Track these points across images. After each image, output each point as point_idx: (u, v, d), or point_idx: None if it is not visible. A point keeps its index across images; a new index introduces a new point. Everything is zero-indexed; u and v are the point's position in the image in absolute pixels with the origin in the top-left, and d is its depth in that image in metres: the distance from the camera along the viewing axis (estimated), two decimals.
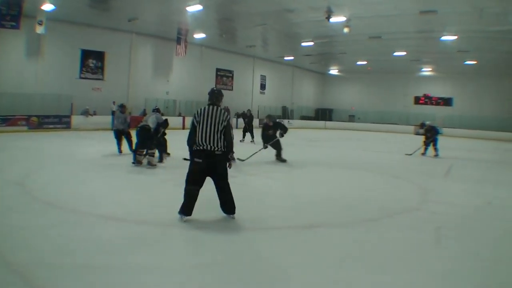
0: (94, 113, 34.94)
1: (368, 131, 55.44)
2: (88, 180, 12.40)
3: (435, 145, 23.11)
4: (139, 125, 15.48)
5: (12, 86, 31.86)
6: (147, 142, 15.16)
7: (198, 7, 29.35)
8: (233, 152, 8.23)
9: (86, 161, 16.18)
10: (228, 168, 8.15)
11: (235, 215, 8.26)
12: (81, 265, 5.70)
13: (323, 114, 68.12)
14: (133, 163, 15.14)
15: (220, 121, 7.85)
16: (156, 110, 16.56)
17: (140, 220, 8.23)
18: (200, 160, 7.88)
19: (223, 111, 8.01)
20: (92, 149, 18.86)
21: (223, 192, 8.16)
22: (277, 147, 17.86)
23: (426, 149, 23.46)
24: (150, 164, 15.05)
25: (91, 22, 35.78)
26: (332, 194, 11.72)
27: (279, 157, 17.78)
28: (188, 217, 7.96)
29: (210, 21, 35.91)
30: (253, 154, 17.20)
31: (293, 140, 27.51)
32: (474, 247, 7.46)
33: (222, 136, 7.92)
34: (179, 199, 8.13)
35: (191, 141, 8.08)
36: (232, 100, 47.65)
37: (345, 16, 30.99)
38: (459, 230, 8.64)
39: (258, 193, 11.42)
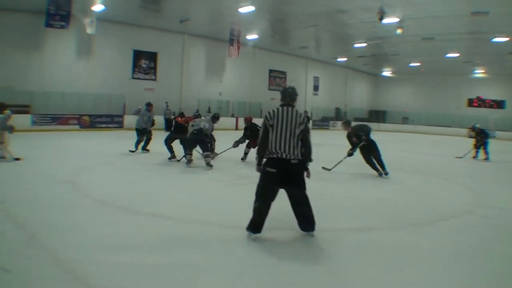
0: None
1: (421, 133, 55.29)
2: (140, 178, 12.54)
3: (485, 148, 22.62)
4: (195, 128, 15.16)
5: (63, 85, 32.43)
6: (203, 144, 15.20)
7: (250, 8, 29.37)
8: (311, 160, 6.92)
9: (138, 159, 16.35)
10: (304, 178, 6.90)
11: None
12: (133, 263, 5.77)
13: (376, 116, 67.94)
14: (186, 163, 15.22)
15: (297, 124, 6.69)
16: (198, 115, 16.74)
17: (192, 219, 8.19)
18: (274, 170, 6.71)
19: (299, 112, 6.82)
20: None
21: (300, 206, 7.03)
22: (371, 154, 15.63)
23: (477, 152, 23.03)
24: (208, 165, 14.93)
25: (143, 23, 36.19)
26: (385, 196, 11.64)
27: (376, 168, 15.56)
28: (258, 235, 6.97)
29: (263, 22, 35.84)
30: (338, 163, 16.19)
31: (346, 142, 27.21)
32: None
33: (299, 142, 6.75)
34: (233, 199, 8.59)
35: (262, 148, 6.92)
36: None
37: (398, 17, 30.67)
38: (511, 235, 8.40)
39: (316, 195, 10.67)
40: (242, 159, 17.38)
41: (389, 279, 5.74)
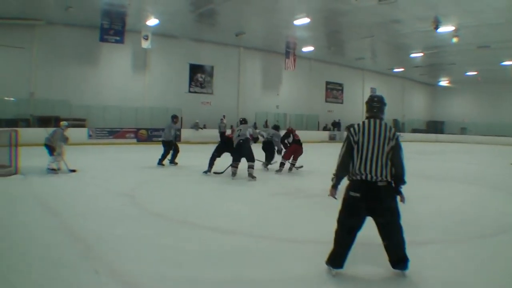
0: (204, 127, 35.58)
1: (479, 143, 54.18)
2: (197, 192, 12.60)
3: None
4: (240, 139, 15.23)
5: (119, 99, 33.18)
6: (249, 154, 15.14)
7: (306, 20, 29.67)
8: (404, 182, 5.77)
9: (194, 173, 16.36)
10: (400, 205, 5.79)
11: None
12: (189, 278, 5.78)
13: (434, 127, 67.33)
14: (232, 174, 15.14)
15: (386, 140, 5.58)
16: (243, 121, 16.92)
17: (249, 233, 8.10)
18: (358, 195, 5.62)
19: (389, 126, 5.71)
20: (200, 162, 18.90)
21: (389, 238, 5.86)
22: None
23: None
24: (251, 176, 14.91)
25: (198, 37, 36.49)
26: (445, 208, 11.33)
27: None
28: (340, 270, 5.89)
29: (318, 33, 36.09)
30: None
31: (405, 153, 27.07)
32: None
33: (389, 162, 5.66)
34: (289, 213, 8.51)
35: (345, 168, 5.82)
36: (342, 113, 47.68)
37: (453, 26, 30.58)
38: None
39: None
40: (277, 171, 17.39)
41: None
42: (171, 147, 18.69)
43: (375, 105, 5.97)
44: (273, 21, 31.91)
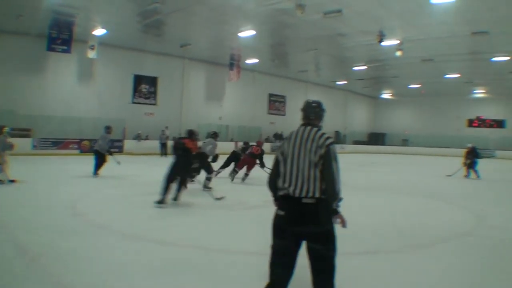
0: (147, 138, 35.60)
1: (421, 155, 55.82)
2: (140, 204, 12.44)
3: (474, 167, 23.25)
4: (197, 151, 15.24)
5: (64, 109, 32.79)
6: (205, 167, 15.51)
7: (251, 32, 29.96)
8: (335, 199, 4.68)
9: (137, 185, 16.35)
10: (333, 230, 4.72)
11: None
12: None
13: (376, 139, 68.65)
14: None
15: (314, 149, 4.69)
16: (213, 134, 17.06)
17: (192, 245, 8.15)
18: (283, 213, 4.72)
19: (321, 133, 4.79)
20: (142, 173, 19.08)
21: (317, 272, 4.70)
22: None
23: (468, 171, 23.53)
24: (206, 187, 15.14)
25: (144, 48, 36.56)
26: (385, 219, 11.65)
27: None
28: None
29: (263, 46, 36.36)
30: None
31: (346, 165, 27.09)
32: None
33: (318, 174, 4.68)
34: (231, 225, 8.65)
35: (272, 183, 5.05)
36: (285, 125, 48.10)
37: (398, 39, 31.23)
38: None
39: None
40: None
41: None
42: (104, 158, 18.71)
43: (311, 111, 5.12)
44: (219, 33, 32.17)
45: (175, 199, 12.62)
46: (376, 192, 17.64)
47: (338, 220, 4.79)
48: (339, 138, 61.31)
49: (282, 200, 4.80)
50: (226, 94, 45.98)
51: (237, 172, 19.33)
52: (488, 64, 39.76)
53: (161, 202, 12.02)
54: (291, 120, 51.92)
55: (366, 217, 11.68)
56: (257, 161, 19.06)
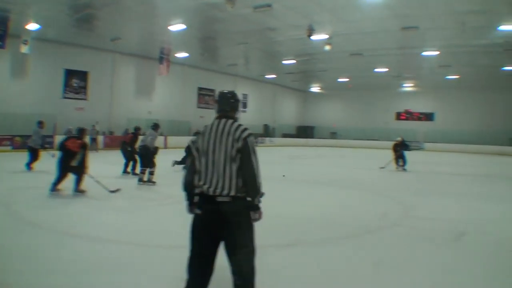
0: None
1: (349, 147, 56.96)
2: (73, 200, 12.39)
3: (403, 159, 23.99)
4: (140, 145, 16.09)
5: None
6: (146, 160, 15.79)
7: (182, 26, 29.87)
8: (257, 194, 4.55)
9: (69, 180, 16.02)
10: (250, 228, 4.60)
11: None
12: (63, 285, 5.89)
13: (304, 132, 69.53)
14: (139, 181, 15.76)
15: (230, 143, 4.52)
16: (153, 126, 17.04)
17: (125, 241, 8.18)
18: (199, 212, 4.61)
19: (238, 125, 4.65)
20: None
21: (236, 273, 4.54)
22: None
23: (398, 162, 24.22)
24: (150, 181, 15.61)
25: (75, 42, 36.09)
26: (314, 211, 11.82)
27: None
28: None
29: (193, 40, 36.57)
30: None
31: (275, 157, 27.36)
32: (454, 262, 7.61)
33: (234, 171, 4.56)
34: (162, 220, 8.83)
35: (186, 180, 4.81)
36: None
37: (327, 34, 31.50)
38: (440, 245, 8.74)
39: None
40: None
41: None
42: (38, 153, 18.73)
43: (225, 102, 4.89)
44: (149, 27, 31.97)
45: (76, 190, 12.88)
46: (306, 184, 18.04)
47: (257, 215, 4.63)
48: (267, 132, 62.03)
49: (199, 198, 4.65)
50: (156, 89, 45.84)
51: None
52: (417, 59, 40.65)
53: (51, 189, 12.60)
54: None
55: (294, 208, 12.11)
56: None
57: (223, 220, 4.49)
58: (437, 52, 37.00)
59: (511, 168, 32.52)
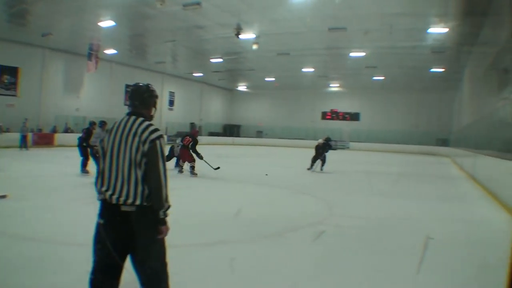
0: (8, 130, 34.80)
1: (276, 146, 57.84)
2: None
3: (323, 160, 24.08)
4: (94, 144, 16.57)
5: None
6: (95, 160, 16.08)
7: (111, 23, 30.16)
8: (162, 206, 4.04)
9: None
10: (157, 243, 4.16)
11: None
12: None
13: (231, 130, 70.30)
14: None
15: (136, 145, 4.05)
16: (101, 124, 17.79)
17: (50, 239, 7.93)
18: (102, 222, 4.12)
19: (147, 125, 4.12)
20: (7, 167, 18.89)
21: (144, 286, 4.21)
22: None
23: (313, 163, 24.30)
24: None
25: (6, 37, 35.75)
26: (237, 209, 11.69)
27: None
28: None
29: (122, 37, 37.09)
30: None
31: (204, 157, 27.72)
32: (377, 259, 7.70)
33: (139, 176, 4.07)
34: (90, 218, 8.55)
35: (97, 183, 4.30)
36: None
37: (254, 33, 32.27)
38: (362, 243, 8.92)
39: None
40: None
41: None
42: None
43: (137, 97, 4.37)
44: (80, 23, 31.73)
45: None
46: (230, 182, 18.26)
47: (163, 230, 4.13)
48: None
49: (101, 206, 4.14)
50: (84, 85, 45.52)
51: (181, 167, 20.12)
52: (345, 59, 41.71)
53: None
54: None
55: (218, 207, 12.24)
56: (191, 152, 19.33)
57: (127, 232, 4.00)
58: (364, 53, 38.04)
59: (434, 167, 33.71)
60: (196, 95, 66.58)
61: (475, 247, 9.00)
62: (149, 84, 4.59)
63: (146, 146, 4.01)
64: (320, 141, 23.81)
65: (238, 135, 69.16)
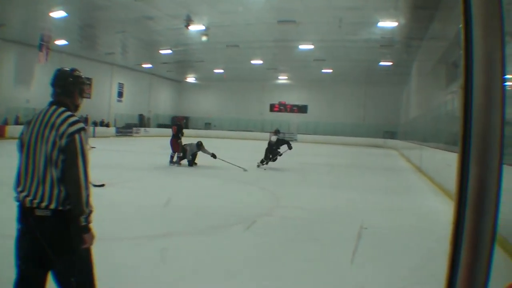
0: None
1: (224, 138, 57.78)
2: None
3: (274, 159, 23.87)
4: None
5: None
6: None
7: (62, 13, 30.18)
8: (82, 212, 3.48)
9: None
10: (78, 252, 3.58)
11: None
12: None
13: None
14: None
15: (52, 139, 3.53)
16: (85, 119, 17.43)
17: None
18: (20, 227, 3.65)
19: (68, 116, 3.62)
20: None
21: None
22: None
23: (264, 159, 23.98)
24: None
25: None
26: (185, 202, 11.97)
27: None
28: None
29: (73, 27, 36.89)
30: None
31: (149, 148, 27.80)
32: (322, 249, 7.89)
33: (56, 176, 3.55)
34: None
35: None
36: (91, 108, 48.37)
37: (204, 25, 32.81)
38: (309, 234, 9.01)
39: (111, 204, 10.59)
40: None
41: (183, 285, 5.91)
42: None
43: (59, 83, 3.88)
44: (31, 13, 31.88)
45: None
46: (177, 174, 18.42)
47: (87, 239, 3.60)
48: (142, 122, 62.76)
49: (18, 210, 3.64)
50: (35, 77, 44.87)
51: (172, 157, 20.89)
52: (293, 52, 42.48)
53: None
54: (97, 103, 52.62)
55: (164, 199, 11.95)
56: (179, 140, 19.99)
57: (46, 239, 3.52)
58: (312, 46, 39.01)
59: (381, 160, 34.56)
60: (145, 87, 66.64)
61: (419, 237, 9.21)
62: (74, 69, 4.16)
63: (64, 141, 3.51)
64: (273, 138, 23.04)
65: (186, 127, 66.99)
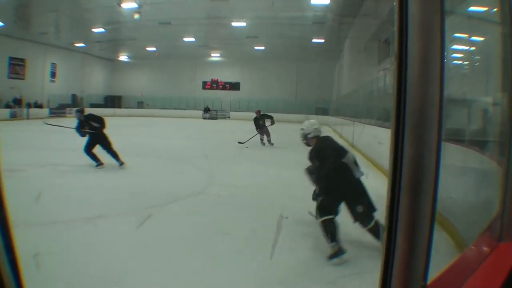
0: None
1: (157, 117, 58.53)
2: None
3: (267, 132, 24.40)
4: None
5: None
6: None
7: None
8: None
9: None
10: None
11: None
12: None
13: (112, 101, 71.20)
14: None
15: None
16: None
17: None
18: None
19: None
20: None
21: None
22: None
23: (262, 140, 24.47)
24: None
25: None
26: (119, 183, 11.95)
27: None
28: None
29: (8, 7, 36.85)
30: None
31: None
32: (251, 226, 7.86)
33: None
34: None
35: None
36: (25, 89, 48.73)
37: (136, 2, 33.57)
38: (242, 211, 9.13)
39: (42, 186, 10.60)
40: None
41: (120, 267, 5.83)
42: None
43: None
44: None
45: None
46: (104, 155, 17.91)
47: None
48: (75, 102, 62.65)
49: None
50: None
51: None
52: (225, 29, 43.62)
53: None
54: (32, 84, 52.96)
55: (97, 180, 12.23)
56: None
57: None
58: (244, 24, 40.35)
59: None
60: (78, 66, 65.76)
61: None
62: None
63: None
64: (257, 115, 24.09)
65: (119, 106, 69.48)
